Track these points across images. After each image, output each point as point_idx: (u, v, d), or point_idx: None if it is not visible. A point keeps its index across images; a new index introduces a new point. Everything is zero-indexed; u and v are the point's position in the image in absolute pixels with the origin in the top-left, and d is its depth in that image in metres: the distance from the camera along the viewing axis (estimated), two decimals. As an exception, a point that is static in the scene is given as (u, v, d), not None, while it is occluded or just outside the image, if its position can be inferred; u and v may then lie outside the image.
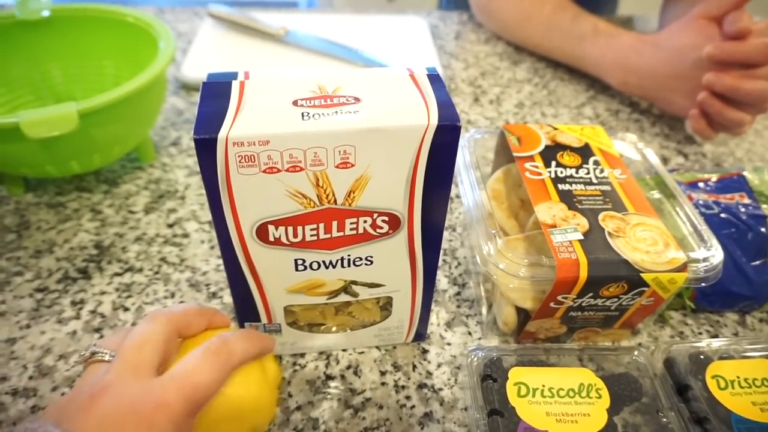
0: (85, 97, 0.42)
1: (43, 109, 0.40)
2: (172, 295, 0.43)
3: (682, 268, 0.34)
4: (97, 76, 0.56)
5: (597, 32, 0.68)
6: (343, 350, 0.40)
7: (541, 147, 0.42)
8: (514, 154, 0.42)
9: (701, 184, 0.48)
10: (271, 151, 0.27)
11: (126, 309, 0.42)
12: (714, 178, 0.48)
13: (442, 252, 0.48)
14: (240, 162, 0.27)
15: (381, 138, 0.28)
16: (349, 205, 0.30)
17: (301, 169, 0.28)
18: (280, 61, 0.70)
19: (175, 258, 0.46)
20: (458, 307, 0.44)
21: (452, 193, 0.54)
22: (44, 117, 0.40)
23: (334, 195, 0.30)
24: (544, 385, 0.33)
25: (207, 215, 0.50)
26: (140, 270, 0.45)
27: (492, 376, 0.34)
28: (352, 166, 0.29)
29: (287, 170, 0.28)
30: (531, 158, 0.41)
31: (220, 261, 0.46)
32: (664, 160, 0.61)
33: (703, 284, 0.35)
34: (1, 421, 0.35)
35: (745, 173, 0.48)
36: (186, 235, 0.48)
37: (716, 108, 0.58)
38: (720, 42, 0.56)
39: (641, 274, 0.34)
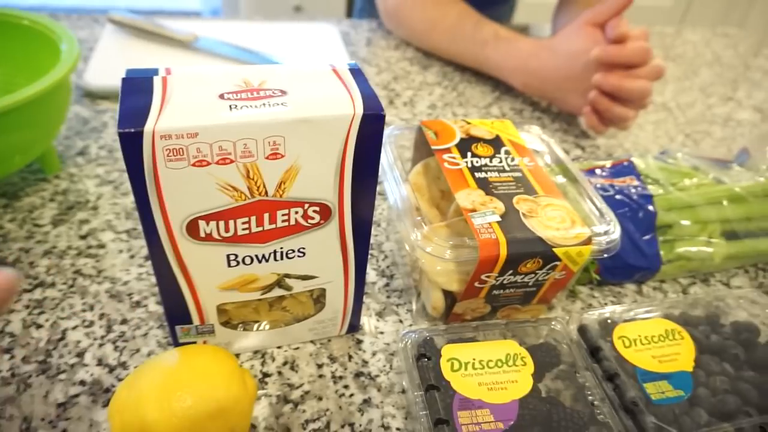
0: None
1: (-68, 114, 0.37)
2: (91, 308, 0.41)
3: (588, 241, 0.38)
4: (-12, 84, 0.52)
5: (498, 38, 0.73)
6: (278, 348, 0.40)
7: (457, 140, 0.45)
8: (432, 147, 0.44)
9: (597, 171, 0.53)
10: (200, 144, 0.27)
11: (39, 326, 0.39)
12: (608, 164, 0.54)
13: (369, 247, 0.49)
14: (168, 156, 0.27)
15: (309, 128, 0.29)
16: (281, 196, 0.31)
17: (231, 162, 0.28)
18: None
19: (91, 270, 0.44)
20: (388, 297, 0.45)
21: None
22: (-66, 123, 0.37)
23: (265, 187, 0.30)
24: (474, 359, 0.35)
25: (124, 225, 0.48)
26: (52, 284, 0.42)
27: (426, 354, 0.35)
28: (282, 156, 0.29)
29: (217, 163, 0.28)
30: (448, 150, 0.44)
31: (142, 270, 0.44)
32: (565, 153, 0.67)
33: (605, 255, 0.39)
34: None
35: (632, 159, 0.54)
36: (102, 246, 0.46)
37: (605, 105, 0.64)
38: (605, 46, 0.63)
39: (553, 249, 0.37)
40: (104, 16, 0.76)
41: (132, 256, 0.45)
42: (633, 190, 0.50)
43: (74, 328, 0.40)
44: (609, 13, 0.64)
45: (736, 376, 0.38)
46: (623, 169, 0.53)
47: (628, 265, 0.48)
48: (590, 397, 0.36)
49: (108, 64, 0.66)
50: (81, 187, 0.51)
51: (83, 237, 0.46)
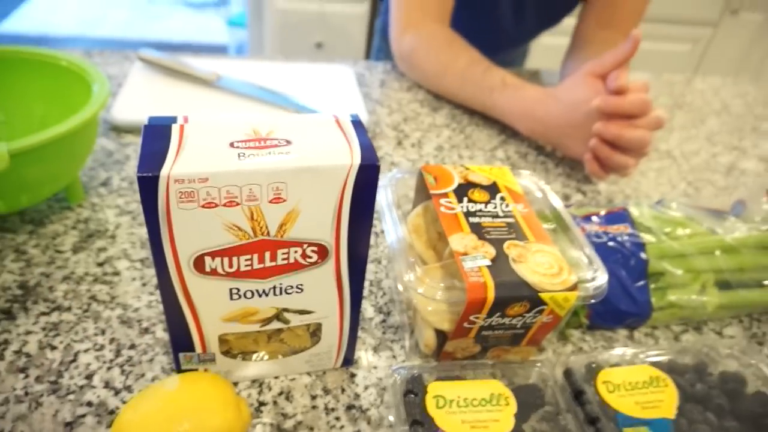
0: (9, 140, 0.42)
1: (-28, 149, 0.41)
2: (102, 332, 0.44)
3: (574, 287, 0.40)
4: (24, 119, 0.56)
5: (505, 85, 0.76)
6: (275, 378, 0.42)
7: (454, 185, 0.47)
8: (431, 192, 0.46)
9: (594, 218, 0.55)
10: (209, 188, 0.30)
11: (53, 348, 0.42)
12: (603, 212, 0.55)
13: (368, 283, 0.52)
14: (180, 198, 0.30)
15: (310, 176, 0.31)
16: (281, 236, 0.33)
17: (237, 204, 0.31)
18: (212, 106, 0.72)
19: (105, 296, 0.47)
20: (384, 333, 0.47)
21: (378, 229, 0.58)
22: (-27, 157, 0.40)
23: (267, 227, 0.33)
24: (459, 396, 0.37)
25: (138, 253, 0.51)
26: (68, 309, 0.45)
27: (413, 390, 0.37)
28: (284, 201, 0.32)
29: (224, 205, 0.31)
30: (445, 195, 0.46)
31: (152, 297, 0.47)
32: (566, 197, 0.69)
33: (592, 301, 0.41)
34: None
35: (628, 207, 0.56)
36: (117, 273, 0.49)
37: (605, 153, 0.66)
38: (606, 96, 0.65)
39: (539, 294, 0.39)
40: (134, 53, 0.82)
41: (144, 284, 0.48)
42: (626, 238, 0.52)
43: (86, 351, 0.42)
44: (611, 65, 0.66)
45: (718, 426, 0.39)
46: (618, 216, 0.55)
47: (619, 310, 0.49)
48: (571, 440, 0.37)
49: (135, 100, 0.70)
50: (102, 217, 0.54)
51: (100, 264, 0.49)
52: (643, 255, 0.50)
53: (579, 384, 0.40)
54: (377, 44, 1.21)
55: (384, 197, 0.47)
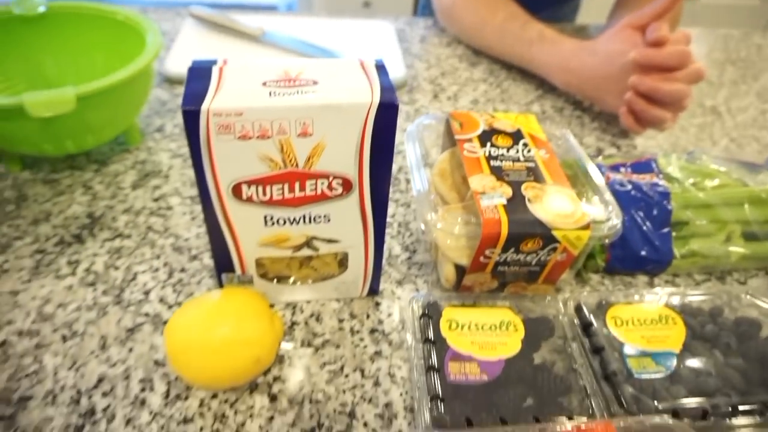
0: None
1: (45, 91, 0.46)
2: (158, 257, 0.49)
3: (587, 226, 0.42)
4: (88, 68, 0.62)
5: (543, 38, 0.76)
6: (307, 302, 0.47)
7: (479, 131, 0.49)
8: (456, 137, 0.49)
9: (621, 168, 0.56)
10: (244, 121, 0.34)
11: (116, 268, 0.48)
12: (630, 161, 0.56)
13: (397, 224, 0.55)
14: (219, 130, 0.34)
15: (333, 112, 0.35)
16: (309, 168, 0.37)
17: (269, 137, 0.35)
18: (256, 59, 0.76)
19: (160, 227, 0.52)
20: (409, 269, 0.51)
21: (409, 175, 0.61)
22: (46, 98, 0.46)
23: (296, 159, 0.36)
24: (470, 321, 0.40)
25: (188, 191, 0.56)
26: (129, 236, 0.51)
27: (428, 314, 0.41)
28: (311, 135, 0.35)
29: (257, 137, 0.35)
30: (470, 140, 0.48)
31: (201, 230, 0.52)
32: (599, 151, 0.69)
33: (606, 241, 0.43)
34: (10, 355, 0.41)
35: (656, 157, 0.56)
36: (170, 208, 0.54)
37: (641, 106, 0.66)
38: (643, 48, 0.65)
39: (552, 231, 0.41)
40: (186, 9, 0.86)
41: (193, 218, 0.53)
42: (651, 186, 0.52)
43: (143, 272, 0.48)
44: (651, 17, 0.65)
45: (724, 363, 0.41)
46: (644, 165, 0.55)
47: (638, 256, 0.50)
48: (575, 366, 0.40)
49: (186, 54, 0.75)
50: (156, 159, 0.60)
51: (155, 200, 0.55)
52: (667, 203, 0.51)
53: (588, 317, 0.42)
54: (423, 1, 1.21)
55: (411, 143, 0.50)
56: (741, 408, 0.37)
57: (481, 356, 0.38)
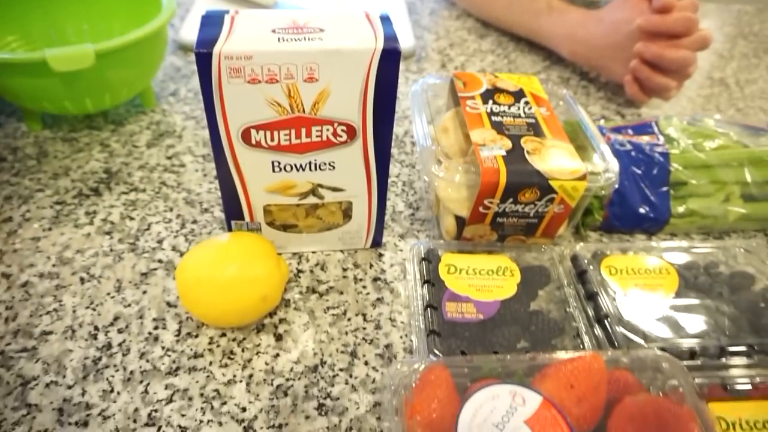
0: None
1: (67, 47, 0.48)
2: (171, 210, 0.51)
3: (583, 177, 0.43)
4: (106, 34, 0.64)
5: (551, 9, 0.77)
6: (312, 252, 0.49)
7: (482, 89, 0.51)
8: (459, 94, 0.50)
9: (622, 129, 0.57)
10: (253, 65, 0.36)
11: (132, 219, 0.50)
12: (632, 123, 0.57)
13: (401, 183, 0.57)
14: (229, 73, 0.36)
15: (338, 58, 0.36)
16: (315, 114, 0.39)
17: (277, 81, 0.36)
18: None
19: (173, 182, 0.54)
20: (411, 224, 0.52)
21: (414, 138, 0.62)
22: (67, 53, 0.48)
23: (302, 104, 0.38)
24: (468, 266, 0.42)
25: (201, 150, 0.58)
26: (144, 190, 0.53)
27: (428, 258, 0.42)
28: (316, 80, 0.37)
29: (266, 81, 0.36)
30: (472, 97, 0.50)
31: (212, 185, 0.54)
32: (604, 120, 0.70)
33: (603, 192, 0.44)
34: (31, 294, 0.43)
35: (657, 120, 0.57)
36: (182, 165, 0.56)
37: (645, 74, 0.67)
38: (649, 15, 0.65)
39: (549, 181, 0.42)
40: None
41: (205, 175, 0.55)
42: (651, 147, 0.53)
43: (157, 222, 0.50)
44: (657, -16, 0.66)
45: (715, 309, 0.42)
46: (645, 127, 0.56)
47: (636, 213, 0.51)
48: (568, 309, 0.41)
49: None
50: (171, 120, 0.62)
51: (169, 158, 0.57)
52: (666, 163, 0.52)
53: (583, 265, 0.44)
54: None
55: (416, 100, 0.51)
56: (729, 350, 0.39)
57: (478, 298, 0.40)
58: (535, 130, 0.46)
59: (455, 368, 0.33)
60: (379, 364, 0.41)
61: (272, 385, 0.39)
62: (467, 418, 0.29)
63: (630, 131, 0.57)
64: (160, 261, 0.47)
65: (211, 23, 0.37)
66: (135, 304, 0.43)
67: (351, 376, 0.40)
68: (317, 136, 0.40)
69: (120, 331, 0.41)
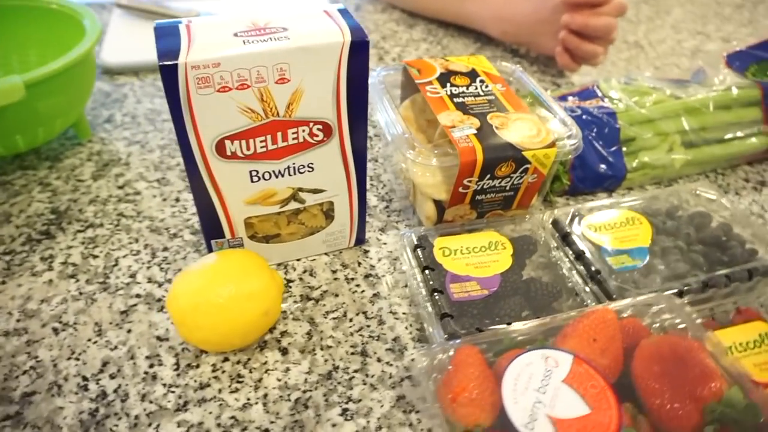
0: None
1: (-9, 82, 0.44)
2: (136, 240, 0.48)
3: (552, 144, 0.45)
4: (22, 65, 0.59)
5: (475, -9, 0.79)
6: (297, 260, 0.47)
7: (437, 74, 0.51)
8: (416, 81, 0.50)
9: (568, 97, 0.60)
10: (222, 72, 0.34)
11: (95, 257, 0.47)
12: (576, 90, 0.60)
13: (369, 178, 0.56)
14: (198, 83, 0.34)
15: (308, 55, 0.35)
16: (289, 116, 0.37)
17: (248, 87, 0.35)
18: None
19: (132, 212, 0.51)
20: (388, 216, 0.52)
21: (371, 133, 0.62)
22: (-7, 89, 0.43)
23: (276, 108, 0.37)
24: (462, 246, 0.42)
25: (153, 174, 0.55)
26: (101, 225, 0.49)
27: (422, 245, 0.42)
28: (288, 81, 0.36)
29: (237, 88, 0.35)
30: (430, 83, 0.50)
31: (174, 209, 0.51)
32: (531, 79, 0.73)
33: (570, 157, 0.46)
34: (0, 356, 0.39)
35: (598, 84, 0.60)
36: (138, 193, 0.53)
37: (574, 43, 0.70)
38: (570, -13, 0.69)
39: (523, 153, 0.44)
40: (110, 3, 0.83)
41: (164, 199, 0.52)
42: (599, 110, 0.56)
43: (125, 256, 0.47)
44: (573, -42, 0.69)
45: (687, 250, 0.45)
46: (589, 92, 0.59)
47: (597, 174, 0.54)
48: (562, 272, 0.43)
49: (120, 43, 0.72)
50: (112, 148, 0.58)
51: (120, 187, 0.53)
52: (614, 123, 0.55)
53: (565, 228, 0.46)
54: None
55: (375, 92, 0.51)
56: (709, 283, 0.41)
57: (479, 275, 0.40)
58: (497, 106, 0.48)
59: (479, 345, 0.33)
60: (391, 358, 0.40)
61: (290, 400, 0.37)
62: (509, 389, 0.29)
63: (576, 98, 0.59)
64: (138, 296, 0.44)
65: (167, 34, 0.35)
66: (122, 345, 0.40)
67: (367, 375, 0.39)
68: (294, 139, 0.39)
69: (112, 377, 0.38)
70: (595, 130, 0.55)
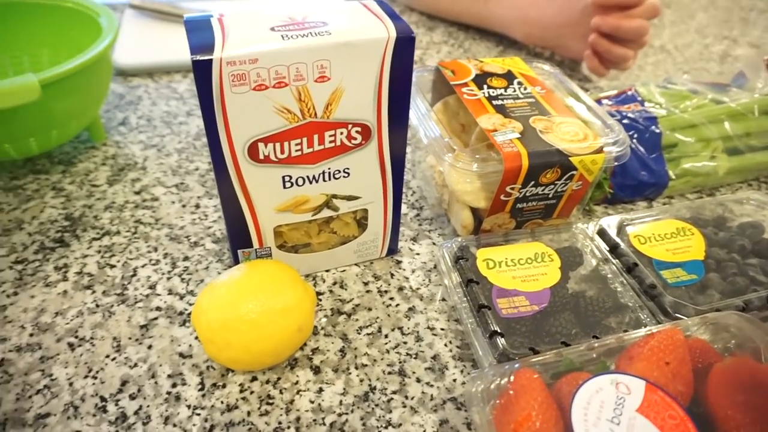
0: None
1: (5, 80, 0.41)
2: (155, 249, 0.45)
3: (600, 150, 0.42)
4: (33, 64, 0.57)
5: (499, -7, 0.77)
6: (327, 271, 0.45)
7: (472, 75, 0.49)
8: (452, 83, 0.48)
9: (604, 101, 0.57)
10: (259, 69, 0.31)
11: (112, 266, 0.44)
12: (612, 94, 0.57)
13: (397, 184, 0.53)
14: (233, 81, 0.31)
15: (351, 51, 0.33)
16: (328, 117, 0.35)
17: (286, 85, 0.32)
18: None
19: (149, 219, 0.48)
20: (420, 225, 0.49)
21: (397, 138, 0.59)
22: (8, 87, 0.41)
23: (314, 108, 0.34)
24: (506, 258, 0.40)
25: (172, 180, 0.52)
26: (117, 233, 0.47)
27: (463, 256, 0.40)
28: (329, 79, 0.33)
29: (274, 86, 0.32)
30: (466, 84, 0.48)
31: (194, 216, 0.49)
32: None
33: (617, 163, 0.43)
34: (12, 374, 0.36)
35: (636, 87, 0.57)
36: (156, 199, 0.50)
37: (605, 46, 0.68)
38: (601, -11, 0.66)
39: (570, 158, 0.41)
40: (122, 4, 0.80)
41: (184, 205, 0.50)
42: (638, 114, 0.54)
43: (143, 266, 0.44)
44: (604, -41, 0.67)
45: (743, 263, 0.42)
46: (627, 97, 0.57)
47: (639, 182, 0.51)
48: (613, 286, 0.40)
49: (134, 45, 0.70)
50: (128, 152, 0.55)
51: (137, 193, 0.51)
52: (655, 128, 0.53)
53: (612, 239, 0.43)
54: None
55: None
56: (772, 299, 0.39)
57: (527, 289, 0.38)
58: (539, 109, 0.45)
59: (536, 368, 0.30)
60: (432, 378, 0.37)
61: (325, 424, 0.35)
62: (580, 419, 0.26)
63: (611, 102, 0.57)
64: (158, 308, 0.41)
65: (199, 27, 0.32)
66: (142, 363, 0.37)
67: (407, 397, 0.36)
68: (331, 142, 0.36)
69: (132, 397, 0.35)
70: (635, 135, 0.52)
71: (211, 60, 0.30)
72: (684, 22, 0.94)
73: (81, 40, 0.52)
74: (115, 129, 0.58)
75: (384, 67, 0.34)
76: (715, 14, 0.98)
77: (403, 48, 0.34)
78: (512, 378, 0.29)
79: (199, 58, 0.30)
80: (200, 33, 0.32)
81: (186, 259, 0.45)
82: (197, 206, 0.50)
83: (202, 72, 0.30)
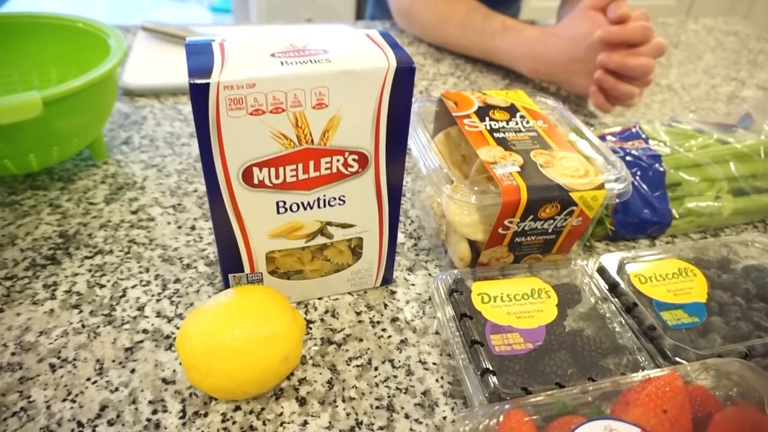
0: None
1: (7, 96, 0.41)
2: (147, 270, 0.45)
3: (601, 186, 0.41)
4: (42, 83, 0.57)
5: (506, 28, 0.77)
6: (319, 299, 0.44)
7: (475, 107, 0.49)
8: (453, 114, 0.48)
9: (608, 137, 0.57)
10: (257, 94, 0.31)
11: (102, 286, 0.43)
12: (617, 130, 0.57)
13: (396, 213, 0.53)
14: (229, 105, 0.31)
15: (350, 79, 0.33)
16: (324, 144, 0.34)
17: (283, 110, 0.32)
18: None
19: (144, 239, 0.48)
20: (417, 255, 0.49)
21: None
22: (9, 103, 0.41)
23: (311, 135, 0.34)
24: (502, 293, 0.39)
25: (169, 201, 0.52)
26: (110, 252, 0.46)
27: (458, 290, 0.39)
28: (326, 106, 0.33)
29: (271, 112, 0.32)
30: (468, 116, 0.47)
31: (189, 237, 0.48)
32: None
33: (618, 200, 0.42)
34: (-10, 393, 0.35)
35: (640, 125, 0.57)
36: (152, 219, 0.50)
37: (610, 83, 0.68)
38: (607, 27, 0.67)
39: (570, 193, 0.40)
40: (135, 27, 0.82)
41: (179, 227, 0.49)
42: (642, 152, 0.53)
43: (133, 287, 0.43)
44: (609, -3, 0.68)
45: (747, 307, 0.41)
46: (632, 134, 0.56)
47: (642, 219, 0.51)
48: (611, 326, 0.39)
49: (143, 66, 0.71)
50: (128, 171, 0.55)
51: (134, 212, 0.50)
52: (659, 166, 0.52)
53: (612, 277, 0.42)
54: (370, 13, 1.21)
55: (413, 123, 0.48)
56: (777, 347, 0.37)
57: (521, 326, 0.37)
58: (540, 143, 0.45)
59: (528, 409, 0.29)
60: (421, 415, 0.36)
61: (307, 459, 0.33)
62: (570, 467, 0.25)
63: (615, 138, 0.56)
64: (144, 331, 0.40)
65: (199, 51, 0.32)
66: (123, 387, 0.36)
67: (394, 434, 0.35)
68: (326, 169, 0.36)
69: (111, 423, 0.34)
70: (638, 172, 0.52)
71: (208, 84, 0.30)
72: (692, 62, 0.94)
73: (90, 59, 0.52)
74: (117, 148, 0.58)
75: (383, 97, 0.34)
76: (723, 56, 0.98)
77: (403, 78, 0.34)
78: (501, 419, 0.28)
79: (196, 81, 0.30)
80: (200, 57, 0.32)
81: (177, 281, 0.44)
82: (193, 228, 0.49)
83: (198, 95, 0.30)
